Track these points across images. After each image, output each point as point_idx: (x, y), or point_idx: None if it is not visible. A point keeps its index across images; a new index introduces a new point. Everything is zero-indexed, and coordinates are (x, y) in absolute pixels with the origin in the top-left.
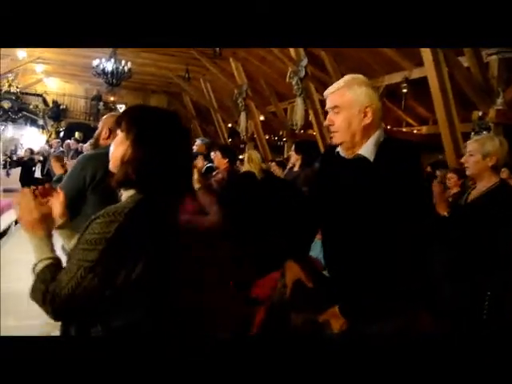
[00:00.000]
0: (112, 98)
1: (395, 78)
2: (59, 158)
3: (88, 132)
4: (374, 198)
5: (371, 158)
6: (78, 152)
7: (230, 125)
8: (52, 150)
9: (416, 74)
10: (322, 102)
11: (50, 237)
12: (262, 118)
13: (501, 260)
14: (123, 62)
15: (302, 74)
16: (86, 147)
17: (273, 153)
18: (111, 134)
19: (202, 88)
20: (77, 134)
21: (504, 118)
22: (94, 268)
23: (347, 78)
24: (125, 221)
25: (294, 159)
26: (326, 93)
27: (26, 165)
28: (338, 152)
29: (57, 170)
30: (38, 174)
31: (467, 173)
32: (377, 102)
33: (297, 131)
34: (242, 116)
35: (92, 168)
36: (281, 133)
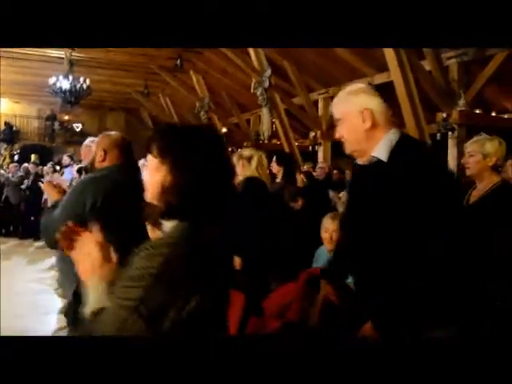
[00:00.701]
0: (66, 117)
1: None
2: (54, 183)
3: (45, 154)
4: (392, 198)
5: (385, 158)
6: (38, 175)
7: None
8: (10, 175)
9: (378, 79)
10: (287, 112)
11: (107, 283)
12: (224, 130)
13: (505, 261)
14: (82, 79)
15: (266, 84)
16: (47, 170)
17: None
18: (106, 155)
19: (161, 103)
20: (33, 157)
21: (467, 119)
22: (138, 308)
23: (345, 89)
24: (170, 253)
25: (276, 170)
26: (330, 108)
27: None
28: (356, 163)
29: (53, 195)
30: None
31: (468, 173)
32: (375, 104)
33: (265, 141)
34: None
35: (92, 193)
36: (245, 144)
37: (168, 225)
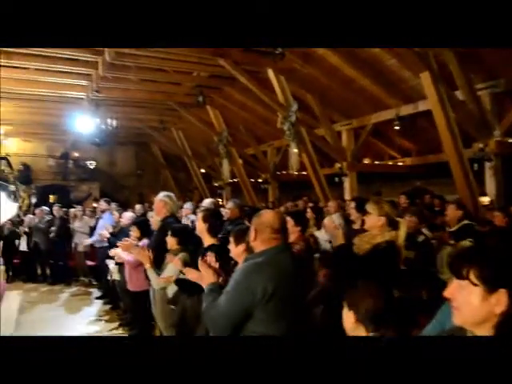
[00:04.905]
0: (76, 154)
1: (383, 115)
2: (207, 264)
3: (61, 193)
4: None
5: None
6: (64, 220)
7: (203, 170)
8: (36, 220)
9: (404, 111)
10: (313, 144)
11: None
12: (240, 161)
13: None
14: (109, 120)
15: (293, 118)
16: (75, 212)
17: (258, 196)
18: (257, 235)
19: (172, 136)
20: (52, 198)
21: (503, 149)
22: None
23: None
24: None
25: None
26: None
27: (7, 238)
28: None
29: (208, 278)
30: (23, 246)
31: None
32: None
33: (294, 173)
34: (225, 162)
35: (261, 281)
36: (263, 176)
37: None
